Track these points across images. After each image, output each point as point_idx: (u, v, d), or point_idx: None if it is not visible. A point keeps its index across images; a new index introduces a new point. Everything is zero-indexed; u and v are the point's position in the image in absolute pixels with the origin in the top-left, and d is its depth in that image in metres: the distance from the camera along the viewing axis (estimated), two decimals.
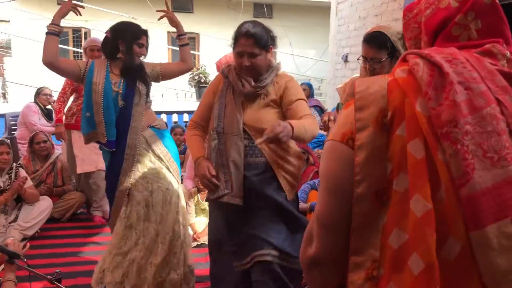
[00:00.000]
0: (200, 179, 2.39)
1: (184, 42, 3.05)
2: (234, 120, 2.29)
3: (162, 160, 2.87)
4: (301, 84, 6.56)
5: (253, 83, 2.29)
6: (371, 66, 2.33)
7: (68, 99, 4.53)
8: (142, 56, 2.83)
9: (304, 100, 2.31)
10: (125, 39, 2.73)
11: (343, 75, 6.47)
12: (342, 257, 0.94)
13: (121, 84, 2.76)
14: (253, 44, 2.21)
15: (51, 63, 2.66)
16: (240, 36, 2.23)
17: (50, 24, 2.66)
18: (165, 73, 2.98)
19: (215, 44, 10.93)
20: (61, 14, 2.69)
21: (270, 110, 2.31)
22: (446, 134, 0.82)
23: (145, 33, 2.81)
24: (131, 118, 2.77)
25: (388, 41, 2.33)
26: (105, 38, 2.79)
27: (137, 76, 2.80)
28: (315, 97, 6.56)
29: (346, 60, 6.53)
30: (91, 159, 4.31)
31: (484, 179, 0.80)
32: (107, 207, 3.98)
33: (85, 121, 2.78)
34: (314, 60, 13.52)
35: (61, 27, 2.69)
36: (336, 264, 0.97)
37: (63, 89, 4.47)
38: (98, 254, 3.69)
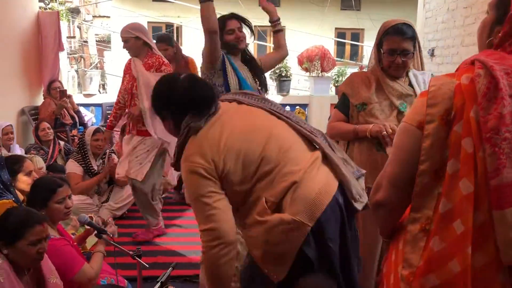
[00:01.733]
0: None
1: (279, 27, 3.02)
2: None
3: None
4: None
5: None
6: (400, 59, 2.23)
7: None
8: (241, 40, 2.82)
9: None
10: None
11: (429, 70, 6.22)
12: (398, 206, 1.31)
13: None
14: None
15: (216, 30, 2.58)
16: None
17: None
18: (265, 65, 3.00)
19: (299, 38, 10.93)
20: None
21: None
22: (489, 138, 1.08)
23: (230, 17, 2.82)
24: None
25: (415, 33, 2.26)
26: None
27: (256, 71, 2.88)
28: None
29: (432, 54, 6.27)
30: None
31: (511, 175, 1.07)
32: None
33: None
34: None
35: None
36: (393, 210, 1.33)
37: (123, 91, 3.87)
38: (178, 236, 3.95)
